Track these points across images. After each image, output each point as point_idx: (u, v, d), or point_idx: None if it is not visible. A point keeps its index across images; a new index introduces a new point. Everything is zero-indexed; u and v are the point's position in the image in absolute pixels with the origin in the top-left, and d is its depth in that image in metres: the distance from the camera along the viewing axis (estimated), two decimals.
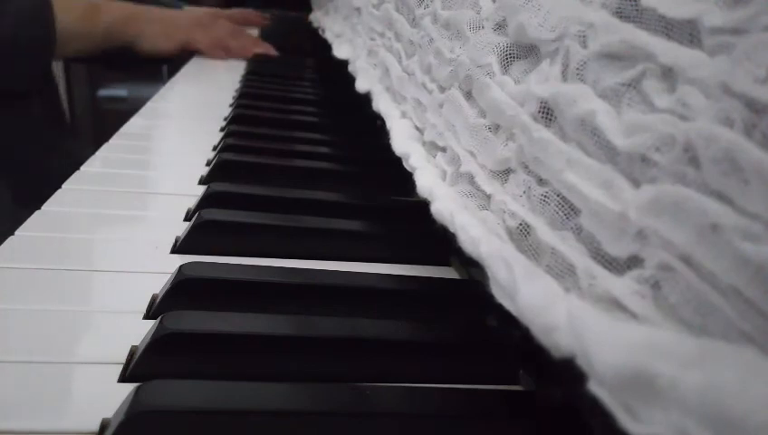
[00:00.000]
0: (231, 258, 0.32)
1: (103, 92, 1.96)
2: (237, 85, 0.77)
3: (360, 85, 0.48)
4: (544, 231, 0.21)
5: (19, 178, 0.72)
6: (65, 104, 1.12)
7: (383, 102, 0.42)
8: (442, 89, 0.33)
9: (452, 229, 0.25)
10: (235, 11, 1.14)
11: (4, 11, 0.68)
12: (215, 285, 0.28)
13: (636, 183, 0.17)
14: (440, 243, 0.32)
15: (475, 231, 0.23)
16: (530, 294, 0.18)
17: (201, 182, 0.44)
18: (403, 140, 0.36)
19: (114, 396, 0.21)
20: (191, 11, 1.09)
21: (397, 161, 0.35)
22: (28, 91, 0.78)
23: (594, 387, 0.14)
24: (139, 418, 0.19)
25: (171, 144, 0.55)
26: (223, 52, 0.96)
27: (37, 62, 0.75)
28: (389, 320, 0.27)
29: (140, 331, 0.26)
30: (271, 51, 1.00)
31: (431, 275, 0.33)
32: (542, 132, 0.22)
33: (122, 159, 0.47)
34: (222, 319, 0.25)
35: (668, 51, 0.17)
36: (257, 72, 0.86)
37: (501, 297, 0.20)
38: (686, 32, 0.17)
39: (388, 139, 0.38)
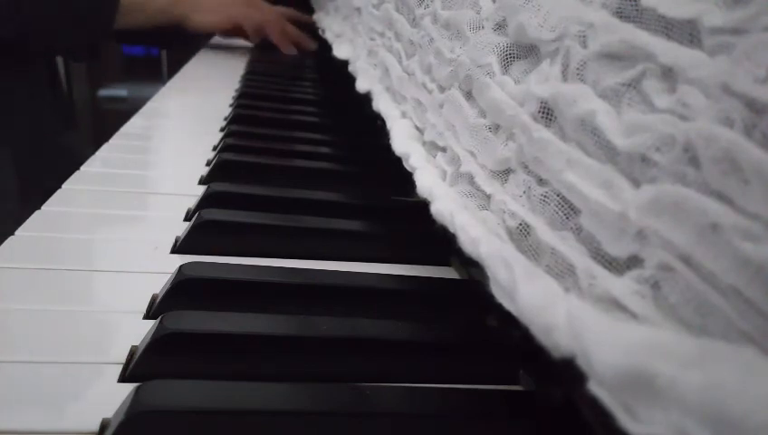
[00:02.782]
0: (231, 258, 0.32)
1: (103, 92, 1.96)
2: (237, 85, 0.77)
3: (361, 85, 0.48)
4: (544, 231, 0.21)
5: (19, 177, 0.72)
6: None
7: (383, 102, 0.42)
8: (442, 89, 0.33)
9: (452, 229, 0.25)
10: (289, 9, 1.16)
11: None
12: (215, 285, 0.28)
13: (636, 183, 0.17)
14: (440, 243, 0.32)
15: (475, 231, 0.23)
16: (530, 294, 0.18)
17: (201, 182, 0.44)
18: (403, 140, 0.36)
19: (114, 396, 0.21)
20: None
21: (397, 161, 0.35)
22: (89, 54, 0.82)
23: (594, 387, 0.14)
24: (139, 418, 0.19)
25: (171, 144, 0.55)
26: (264, 36, 1.01)
27: (98, 24, 0.79)
28: (389, 320, 0.27)
29: (140, 331, 0.26)
30: (310, 45, 1.03)
31: (431, 275, 0.33)
32: (542, 132, 0.22)
33: (122, 159, 0.47)
34: (222, 319, 0.25)
35: (668, 51, 0.17)
36: (257, 72, 0.86)
37: (501, 297, 0.20)
38: (686, 32, 0.17)
39: (389, 139, 0.38)
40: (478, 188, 0.26)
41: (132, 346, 0.25)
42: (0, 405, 0.21)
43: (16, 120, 0.76)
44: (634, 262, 0.17)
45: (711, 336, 0.14)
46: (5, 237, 0.32)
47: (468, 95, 0.29)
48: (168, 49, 1.47)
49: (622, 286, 0.16)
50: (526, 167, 0.23)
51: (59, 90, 0.93)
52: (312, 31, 1.00)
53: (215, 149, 0.52)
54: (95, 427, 0.21)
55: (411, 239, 0.36)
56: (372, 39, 0.49)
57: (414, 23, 0.40)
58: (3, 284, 0.29)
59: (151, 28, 0.88)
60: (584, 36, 0.21)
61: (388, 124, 0.39)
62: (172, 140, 0.56)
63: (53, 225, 0.35)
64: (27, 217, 0.35)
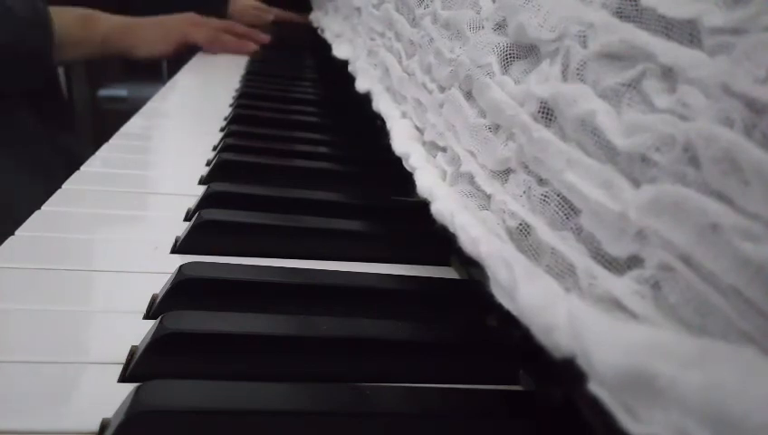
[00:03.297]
0: (231, 258, 0.32)
1: (103, 92, 1.96)
2: (237, 85, 0.77)
3: (360, 85, 0.48)
4: (544, 231, 0.21)
5: (19, 177, 0.72)
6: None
7: (383, 103, 0.42)
8: (442, 89, 0.33)
9: (452, 229, 0.25)
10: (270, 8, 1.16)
11: (4, 20, 0.71)
12: (215, 285, 0.28)
13: (636, 183, 0.17)
14: (440, 243, 0.32)
15: (475, 231, 0.23)
16: (530, 294, 0.18)
17: (201, 182, 0.44)
18: (403, 140, 0.36)
19: (114, 396, 0.21)
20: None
21: (397, 161, 0.35)
22: (28, 90, 0.81)
23: (594, 387, 0.14)
24: (139, 418, 0.19)
25: (171, 144, 0.55)
26: (219, 46, 1.01)
27: (37, 66, 0.79)
28: (389, 320, 0.27)
29: (140, 331, 0.26)
30: (263, 38, 1.04)
31: (431, 275, 0.33)
32: (542, 132, 0.22)
33: (122, 159, 0.47)
34: (222, 319, 0.25)
35: (668, 51, 0.17)
36: (257, 72, 0.86)
37: (501, 297, 0.20)
38: (686, 32, 0.17)
39: (389, 139, 0.38)
40: (478, 188, 0.26)
41: (132, 346, 0.25)
42: (0, 405, 0.21)
43: (16, 124, 0.76)
44: (634, 262, 0.17)
45: (711, 336, 0.14)
46: (5, 237, 0.32)
47: (468, 95, 0.29)
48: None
49: (622, 286, 0.16)
50: (526, 167, 0.23)
51: (59, 94, 0.93)
52: (308, 32, 1.00)
53: (215, 149, 0.52)
54: (95, 427, 0.21)
55: (411, 239, 0.36)
56: (372, 39, 0.49)
57: (414, 23, 0.40)
58: (3, 284, 0.29)
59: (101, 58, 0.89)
60: (584, 36, 0.21)
61: (388, 124, 0.39)
62: (172, 140, 0.56)
63: (53, 225, 0.35)
64: (27, 217, 0.35)
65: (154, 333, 0.24)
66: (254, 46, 1.04)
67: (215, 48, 1.01)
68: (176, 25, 0.97)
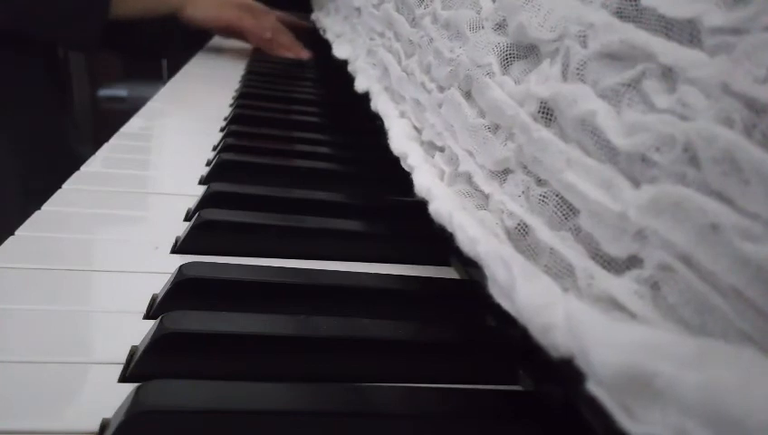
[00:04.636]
0: (231, 258, 0.32)
1: (103, 92, 1.96)
2: (237, 85, 0.77)
3: (360, 85, 0.48)
4: (543, 231, 0.21)
5: (19, 177, 0.72)
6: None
7: (382, 102, 0.42)
8: (441, 89, 0.33)
9: (450, 229, 0.25)
10: (286, 15, 1.15)
11: None
12: (215, 285, 0.28)
13: (636, 183, 0.17)
14: (440, 243, 0.32)
15: (473, 231, 0.23)
16: (528, 293, 0.18)
17: (201, 182, 0.44)
18: (401, 140, 0.36)
19: (114, 396, 0.21)
20: None
21: (396, 161, 0.35)
22: (85, 47, 0.84)
23: (593, 387, 0.14)
24: (139, 418, 0.19)
25: (171, 144, 0.55)
26: (265, 43, 1.00)
27: (95, 17, 0.80)
28: (389, 320, 0.27)
29: (140, 331, 0.26)
30: (303, 53, 1.03)
31: (431, 275, 0.33)
32: (542, 132, 0.22)
33: (122, 159, 0.47)
34: (222, 319, 0.25)
35: (668, 51, 0.17)
36: (257, 72, 0.86)
37: (499, 297, 0.20)
38: (686, 32, 0.17)
39: (388, 138, 0.38)
40: (476, 188, 0.26)
41: (132, 346, 0.25)
42: (0, 405, 0.21)
43: (16, 124, 0.77)
44: (633, 262, 0.17)
45: (710, 336, 0.14)
46: (5, 237, 0.32)
47: (467, 95, 0.29)
48: (164, 58, 1.48)
49: (621, 286, 0.16)
50: (525, 167, 0.23)
51: (57, 75, 0.93)
52: (309, 34, 0.99)
53: (215, 149, 0.52)
54: (95, 427, 0.21)
55: (411, 239, 0.36)
56: (372, 39, 0.49)
57: (413, 22, 0.40)
58: (3, 284, 0.29)
59: (146, 19, 0.89)
60: (584, 36, 0.21)
61: (387, 124, 0.39)
62: (172, 140, 0.56)
63: (53, 225, 0.35)
64: (27, 217, 0.35)
65: (154, 333, 0.24)
66: (288, 53, 1.03)
67: (259, 44, 0.99)
68: (232, 3, 0.97)
